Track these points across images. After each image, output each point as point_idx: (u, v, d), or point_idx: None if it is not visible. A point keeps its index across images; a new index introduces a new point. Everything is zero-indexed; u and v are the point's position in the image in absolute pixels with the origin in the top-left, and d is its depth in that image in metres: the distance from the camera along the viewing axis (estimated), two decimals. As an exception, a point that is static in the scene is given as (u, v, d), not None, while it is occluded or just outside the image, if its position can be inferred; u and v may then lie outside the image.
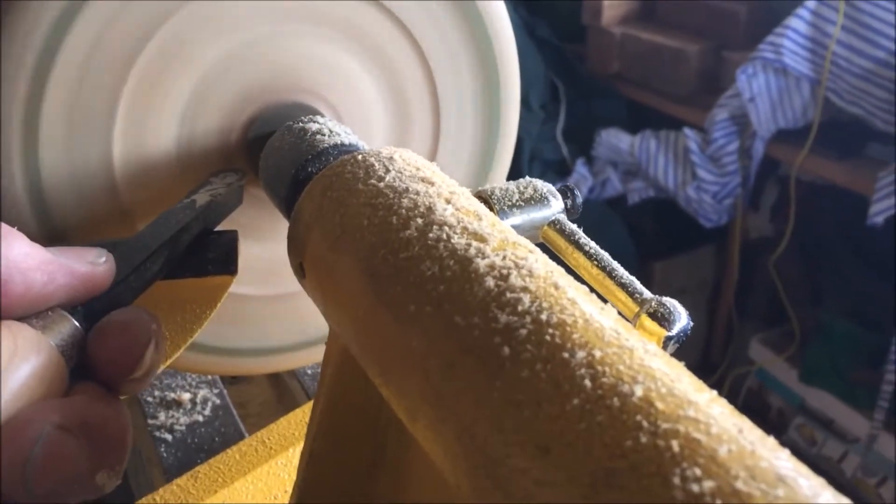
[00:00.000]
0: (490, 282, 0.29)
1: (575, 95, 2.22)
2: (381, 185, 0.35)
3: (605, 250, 0.37)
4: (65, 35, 0.42)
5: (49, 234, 0.45)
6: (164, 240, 0.38)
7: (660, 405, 0.23)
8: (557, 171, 2.16)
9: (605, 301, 0.30)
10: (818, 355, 1.89)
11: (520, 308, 0.27)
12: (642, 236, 2.18)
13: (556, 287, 0.28)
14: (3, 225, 0.29)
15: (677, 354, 0.27)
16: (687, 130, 1.92)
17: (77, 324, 0.30)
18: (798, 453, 0.21)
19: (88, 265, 0.32)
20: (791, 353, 1.96)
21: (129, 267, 0.35)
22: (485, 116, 0.57)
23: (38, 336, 0.28)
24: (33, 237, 0.45)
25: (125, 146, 0.46)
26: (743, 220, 1.99)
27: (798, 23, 1.66)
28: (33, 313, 0.29)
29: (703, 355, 2.24)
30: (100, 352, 0.30)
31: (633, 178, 2.08)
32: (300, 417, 0.61)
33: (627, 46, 2.13)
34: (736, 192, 1.91)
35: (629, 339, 0.26)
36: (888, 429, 1.74)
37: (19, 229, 0.45)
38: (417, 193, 0.34)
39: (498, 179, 0.59)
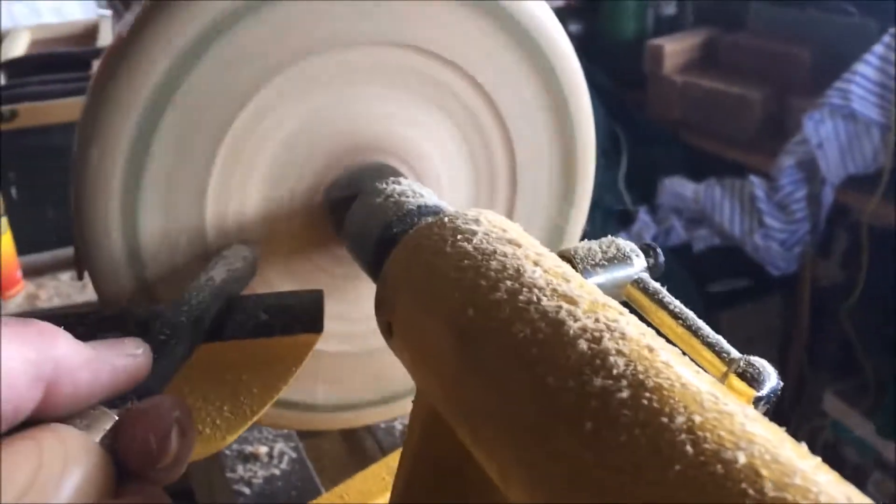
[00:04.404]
0: (583, 345, 0.29)
1: (635, 143, 2.21)
2: (469, 247, 0.36)
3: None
4: (165, 107, 0.44)
5: (141, 286, 0.47)
6: (189, 323, 0.38)
7: (765, 472, 0.23)
8: (620, 220, 2.15)
9: (695, 364, 0.30)
10: (896, 408, 1.82)
11: (615, 371, 0.27)
12: (708, 285, 2.15)
13: (650, 350, 0.29)
14: (45, 324, 0.28)
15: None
16: (753, 178, 1.90)
17: (117, 418, 0.29)
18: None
19: (128, 358, 0.31)
20: (867, 406, 1.89)
21: (156, 354, 0.34)
22: (560, 185, 0.56)
23: (84, 438, 0.27)
24: (128, 291, 0.47)
25: (216, 206, 0.47)
26: (813, 267, 1.95)
27: (866, 68, 1.65)
28: (77, 412, 0.29)
29: (775, 407, 2.18)
30: (123, 443, 0.29)
31: (698, 225, 2.05)
32: (377, 473, 0.61)
33: (689, 93, 2.12)
34: (805, 240, 1.87)
35: (728, 403, 0.26)
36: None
37: (115, 284, 0.47)
38: (505, 255, 0.35)
39: (572, 241, 0.59)
